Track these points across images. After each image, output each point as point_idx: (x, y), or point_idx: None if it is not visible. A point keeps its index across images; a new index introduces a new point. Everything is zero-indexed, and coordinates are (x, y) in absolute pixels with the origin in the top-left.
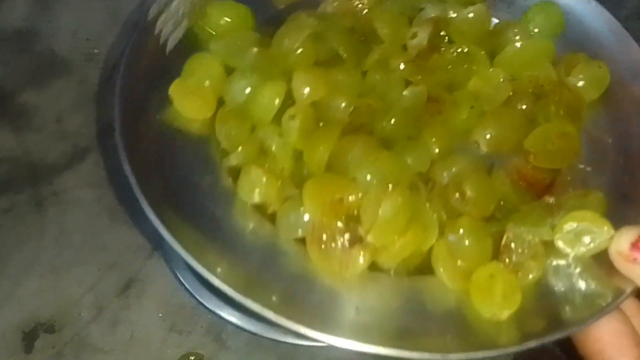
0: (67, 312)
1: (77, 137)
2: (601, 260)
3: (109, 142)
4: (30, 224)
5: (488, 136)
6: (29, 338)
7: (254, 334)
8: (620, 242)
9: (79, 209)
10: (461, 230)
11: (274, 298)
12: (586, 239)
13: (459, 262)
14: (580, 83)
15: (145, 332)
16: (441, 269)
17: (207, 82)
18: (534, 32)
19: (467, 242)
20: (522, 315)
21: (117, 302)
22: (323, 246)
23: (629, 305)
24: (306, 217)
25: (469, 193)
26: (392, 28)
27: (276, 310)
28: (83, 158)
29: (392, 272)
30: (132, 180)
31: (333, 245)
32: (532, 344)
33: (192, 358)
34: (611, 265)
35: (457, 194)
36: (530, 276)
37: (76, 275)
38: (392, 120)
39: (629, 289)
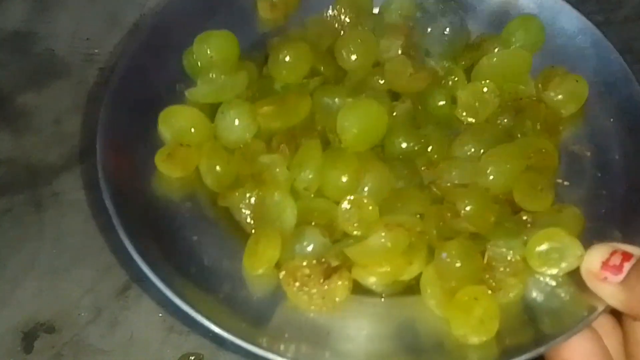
0: (67, 312)
1: (76, 139)
2: (573, 278)
3: None
4: (29, 225)
5: (472, 150)
6: (29, 338)
7: None
8: (591, 261)
9: (78, 210)
10: (453, 252)
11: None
12: (556, 258)
13: (452, 282)
14: (559, 97)
15: (145, 332)
16: (429, 294)
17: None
18: (515, 45)
19: (458, 264)
20: (498, 332)
21: (116, 302)
22: (299, 290)
23: (603, 324)
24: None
25: (468, 208)
26: (361, 53)
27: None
28: (82, 159)
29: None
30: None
31: (308, 288)
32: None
33: (192, 358)
34: (583, 283)
35: (456, 210)
36: (511, 295)
37: (75, 276)
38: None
39: (600, 308)
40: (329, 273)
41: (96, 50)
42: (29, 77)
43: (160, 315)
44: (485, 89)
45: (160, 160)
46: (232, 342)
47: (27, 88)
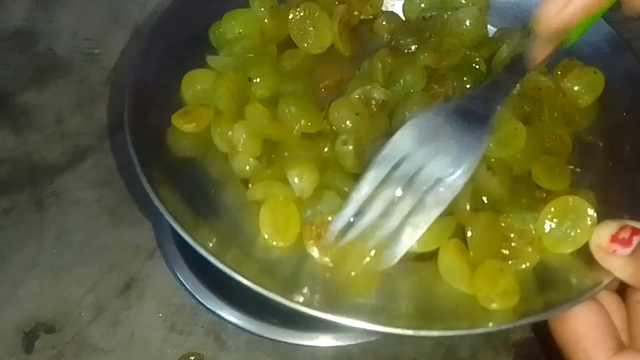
0: (68, 312)
1: (77, 137)
2: (581, 251)
3: (110, 142)
4: (30, 224)
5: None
6: (30, 338)
7: (254, 334)
8: (600, 235)
9: (79, 209)
10: (480, 227)
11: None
12: (569, 225)
13: (475, 255)
14: (576, 88)
15: (146, 332)
16: (451, 270)
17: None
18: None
19: (482, 237)
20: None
21: (117, 302)
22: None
23: (610, 301)
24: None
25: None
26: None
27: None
28: (83, 158)
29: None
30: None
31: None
32: (524, 321)
33: (192, 358)
34: (592, 258)
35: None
36: (528, 264)
37: (76, 276)
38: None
39: (606, 280)
40: None
41: (97, 50)
42: (30, 76)
43: (160, 315)
44: None
45: (176, 116)
46: (243, 283)
47: (28, 87)
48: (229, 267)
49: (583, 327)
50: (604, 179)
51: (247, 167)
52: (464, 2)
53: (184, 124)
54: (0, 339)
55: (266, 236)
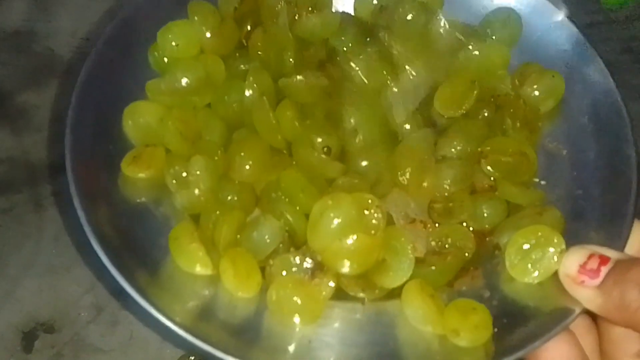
0: (67, 312)
1: None
2: (550, 281)
3: None
4: (29, 224)
5: (453, 150)
6: (29, 338)
7: None
8: (568, 264)
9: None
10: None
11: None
12: (537, 258)
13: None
14: (536, 93)
15: (145, 332)
16: (414, 310)
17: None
18: (491, 38)
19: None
20: None
21: (116, 302)
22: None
23: (579, 323)
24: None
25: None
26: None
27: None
28: None
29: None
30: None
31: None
32: None
33: (192, 358)
34: (561, 286)
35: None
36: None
37: (75, 276)
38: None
39: (577, 310)
40: (314, 270)
41: None
42: (29, 76)
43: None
44: (463, 83)
45: (127, 164)
46: (210, 353)
47: (27, 87)
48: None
49: (554, 359)
50: (570, 191)
51: (200, 200)
52: None
53: (137, 172)
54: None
55: (230, 288)
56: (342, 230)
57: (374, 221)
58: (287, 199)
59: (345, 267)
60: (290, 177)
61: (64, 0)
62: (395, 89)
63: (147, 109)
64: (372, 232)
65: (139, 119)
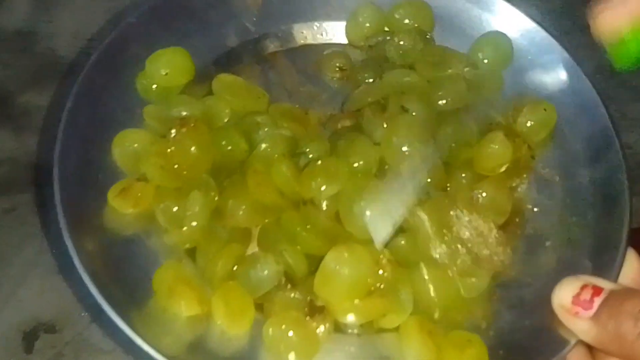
0: (68, 312)
1: None
2: (545, 312)
3: None
4: (31, 224)
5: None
6: (30, 338)
7: None
8: (562, 295)
9: None
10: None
11: None
12: None
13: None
14: (529, 124)
15: None
16: (411, 348)
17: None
18: (483, 62)
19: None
20: None
21: None
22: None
23: (576, 354)
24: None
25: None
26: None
27: None
28: None
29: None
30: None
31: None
32: None
33: None
34: (555, 316)
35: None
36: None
37: (78, 276)
38: None
39: (573, 341)
40: (312, 312)
41: None
42: (31, 77)
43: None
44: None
45: (113, 196)
46: None
47: (28, 87)
48: None
49: None
50: (563, 219)
51: (192, 236)
52: (407, 22)
53: (123, 207)
54: (0, 339)
55: (221, 324)
56: (353, 287)
57: (385, 274)
58: (286, 239)
59: (349, 319)
60: (292, 218)
61: (66, 1)
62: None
63: (136, 137)
64: (379, 285)
65: (128, 147)
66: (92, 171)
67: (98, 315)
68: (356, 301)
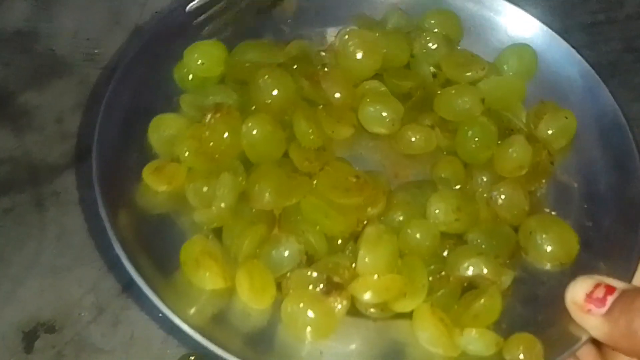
0: (68, 312)
1: (77, 138)
2: (559, 309)
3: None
4: (31, 224)
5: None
6: (29, 338)
7: None
8: (576, 293)
9: (80, 209)
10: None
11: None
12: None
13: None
14: (549, 132)
15: (146, 332)
16: (425, 333)
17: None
18: (507, 73)
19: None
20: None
21: (117, 302)
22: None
23: (586, 352)
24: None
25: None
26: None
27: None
28: (84, 158)
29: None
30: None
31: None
32: None
33: (192, 358)
34: (568, 314)
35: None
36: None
37: (77, 276)
38: None
39: (584, 338)
40: (330, 289)
41: (97, 50)
42: (31, 77)
43: (161, 314)
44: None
45: (148, 173)
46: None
47: (28, 87)
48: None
49: None
50: (581, 223)
51: (220, 216)
52: (436, 31)
53: (156, 184)
54: (0, 339)
55: (244, 300)
56: (388, 264)
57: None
58: (307, 222)
59: (367, 296)
60: (311, 204)
61: (66, 1)
62: None
63: (171, 122)
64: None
65: (164, 131)
66: (129, 152)
67: (98, 314)
68: (375, 277)
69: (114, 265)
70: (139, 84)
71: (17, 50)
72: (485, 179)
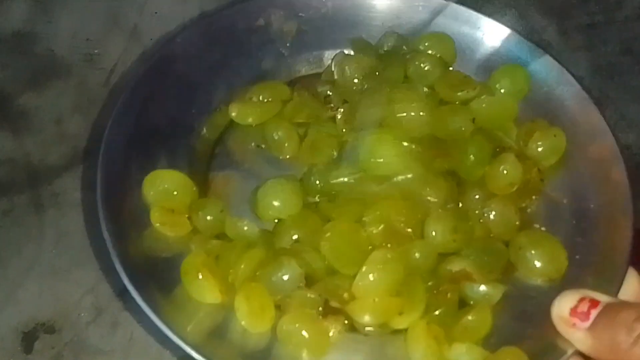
0: (67, 313)
1: (76, 139)
2: (547, 323)
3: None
4: (30, 225)
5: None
6: (29, 339)
7: None
8: (561, 307)
9: (79, 210)
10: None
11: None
12: None
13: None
14: (539, 150)
15: (145, 333)
16: (417, 353)
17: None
18: (500, 92)
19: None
20: None
21: (116, 303)
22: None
23: None
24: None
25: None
26: None
27: None
28: (82, 160)
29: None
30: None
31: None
32: None
33: None
34: (555, 328)
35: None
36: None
37: (76, 277)
38: None
39: (570, 351)
40: (326, 312)
41: (96, 51)
42: (30, 78)
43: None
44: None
45: (157, 222)
46: None
47: (27, 88)
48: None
49: None
50: (570, 238)
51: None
52: (430, 53)
53: (165, 229)
54: None
55: (243, 323)
56: (387, 288)
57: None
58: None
59: (366, 319)
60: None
61: (65, 2)
62: None
63: (167, 177)
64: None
65: (159, 186)
66: (133, 167)
67: (97, 315)
68: (375, 300)
69: (113, 267)
70: (145, 105)
71: (16, 52)
72: (477, 197)
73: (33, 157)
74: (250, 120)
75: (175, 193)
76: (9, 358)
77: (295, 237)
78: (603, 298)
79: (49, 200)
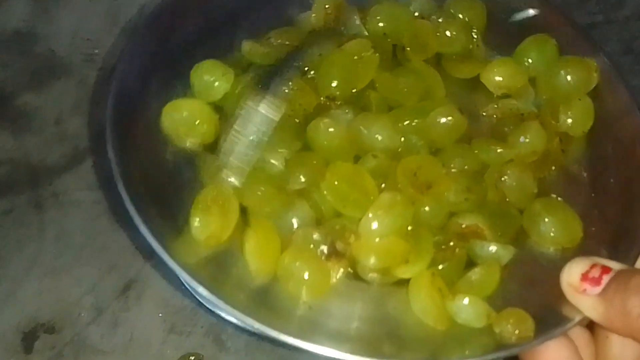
0: (67, 313)
1: (76, 139)
2: (554, 292)
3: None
4: (30, 225)
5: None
6: (29, 339)
7: (254, 335)
8: (571, 273)
9: (79, 210)
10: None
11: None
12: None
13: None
14: (569, 121)
15: (145, 333)
16: (418, 303)
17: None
18: (527, 63)
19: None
20: (471, 330)
21: (116, 303)
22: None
23: (579, 336)
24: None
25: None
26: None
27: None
28: (83, 159)
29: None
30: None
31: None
32: (498, 354)
33: (192, 358)
34: (564, 297)
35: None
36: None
37: (76, 276)
38: None
39: (577, 317)
40: (330, 254)
41: (96, 50)
42: (30, 77)
43: (160, 315)
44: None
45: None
46: (232, 314)
47: (27, 88)
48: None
49: None
50: (586, 210)
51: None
52: (460, 17)
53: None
54: None
55: (248, 258)
56: (395, 231)
57: None
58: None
59: (371, 261)
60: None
61: (65, 1)
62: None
63: (187, 106)
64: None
65: (176, 114)
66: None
67: (97, 315)
68: (379, 240)
69: (114, 266)
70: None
71: (16, 51)
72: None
73: (33, 157)
74: (259, 59)
75: (197, 122)
76: (9, 358)
77: (302, 179)
78: (615, 265)
79: (49, 200)
